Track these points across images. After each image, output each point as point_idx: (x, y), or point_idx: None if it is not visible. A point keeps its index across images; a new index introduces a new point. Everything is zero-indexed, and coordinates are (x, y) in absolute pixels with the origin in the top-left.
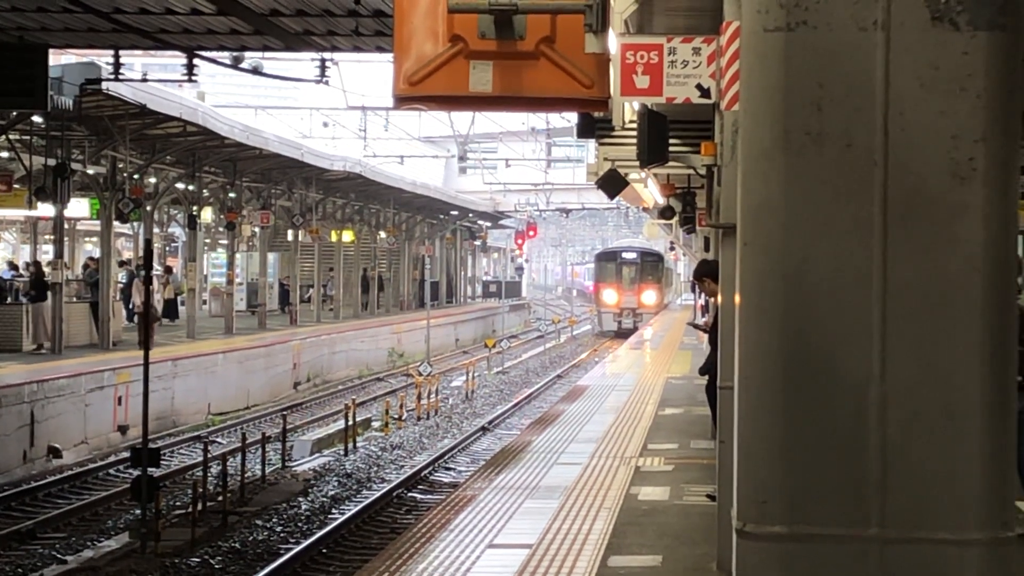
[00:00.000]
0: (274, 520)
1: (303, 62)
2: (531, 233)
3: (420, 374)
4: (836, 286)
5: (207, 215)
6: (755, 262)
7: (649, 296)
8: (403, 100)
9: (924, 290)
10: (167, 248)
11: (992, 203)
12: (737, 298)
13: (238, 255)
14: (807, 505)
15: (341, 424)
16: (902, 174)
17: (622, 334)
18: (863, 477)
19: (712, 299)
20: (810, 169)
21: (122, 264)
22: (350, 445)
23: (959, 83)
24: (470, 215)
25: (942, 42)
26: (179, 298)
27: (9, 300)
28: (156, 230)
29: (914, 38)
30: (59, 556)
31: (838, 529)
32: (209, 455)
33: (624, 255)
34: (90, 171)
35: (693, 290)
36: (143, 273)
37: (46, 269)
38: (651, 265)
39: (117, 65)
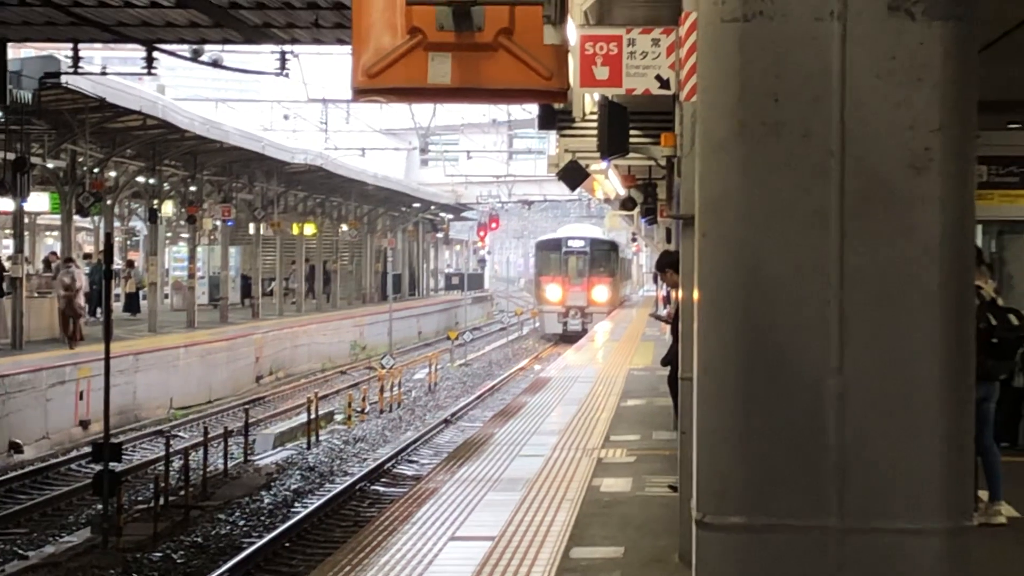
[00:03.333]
0: (237, 514)
1: (263, 55)
2: (493, 225)
3: (383, 367)
4: (794, 276)
5: (168, 209)
6: (713, 253)
7: (600, 292)
8: (362, 93)
9: (882, 280)
10: (128, 242)
11: (949, 193)
12: (696, 289)
13: (199, 249)
14: (766, 496)
15: (304, 418)
16: (859, 164)
17: (568, 337)
18: (822, 467)
19: (674, 290)
20: (767, 159)
21: (86, 257)
22: (313, 438)
23: (916, 73)
24: (432, 207)
25: (898, 32)
26: (141, 292)
27: None
28: (117, 224)
29: (870, 28)
30: (20, 552)
31: (797, 520)
32: (171, 449)
33: (570, 243)
34: (50, 165)
35: (655, 281)
36: (69, 266)
37: (6, 264)
38: (603, 254)
39: (76, 58)
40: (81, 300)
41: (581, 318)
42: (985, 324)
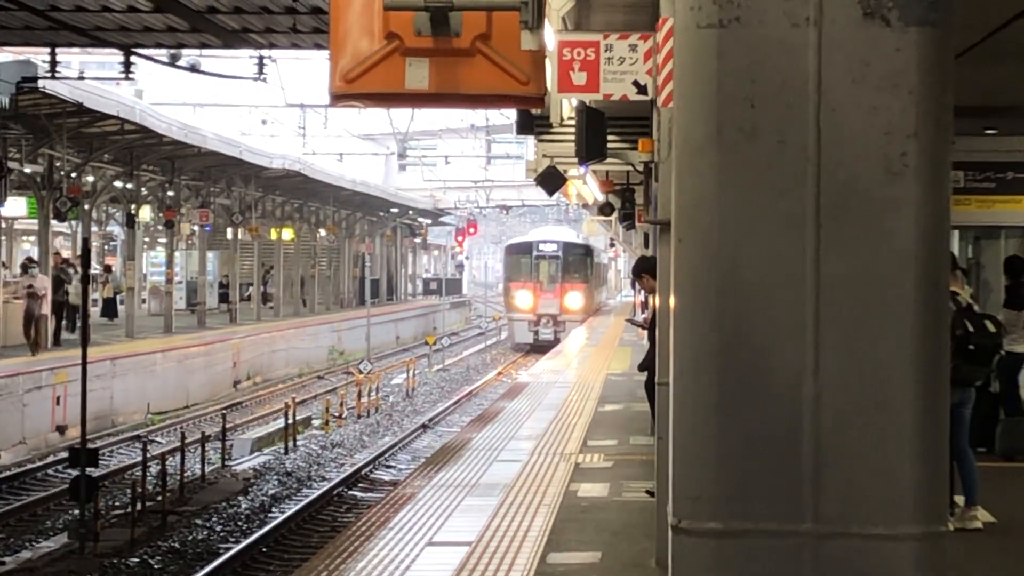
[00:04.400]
0: (214, 519)
1: (241, 59)
2: (471, 230)
3: (360, 372)
4: (769, 282)
5: (146, 213)
6: (689, 258)
7: (574, 299)
8: (340, 98)
9: (857, 285)
10: (106, 247)
11: (924, 198)
12: (672, 294)
13: (177, 253)
14: (741, 501)
15: (281, 423)
16: (835, 170)
17: (539, 347)
18: (797, 472)
19: (651, 295)
20: (743, 165)
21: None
22: (290, 444)
23: (891, 79)
24: (410, 212)
25: (874, 38)
26: (118, 297)
27: None
28: (94, 229)
29: (846, 34)
30: None
31: (772, 524)
32: (148, 454)
33: (542, 247)
34: (27, 170)
35: (633, 286)
36: (32, 269)
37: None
38: (577, 259)
39: (54, 63)
40: (46, 306)
41: (553, 326)
42: (962, 330)
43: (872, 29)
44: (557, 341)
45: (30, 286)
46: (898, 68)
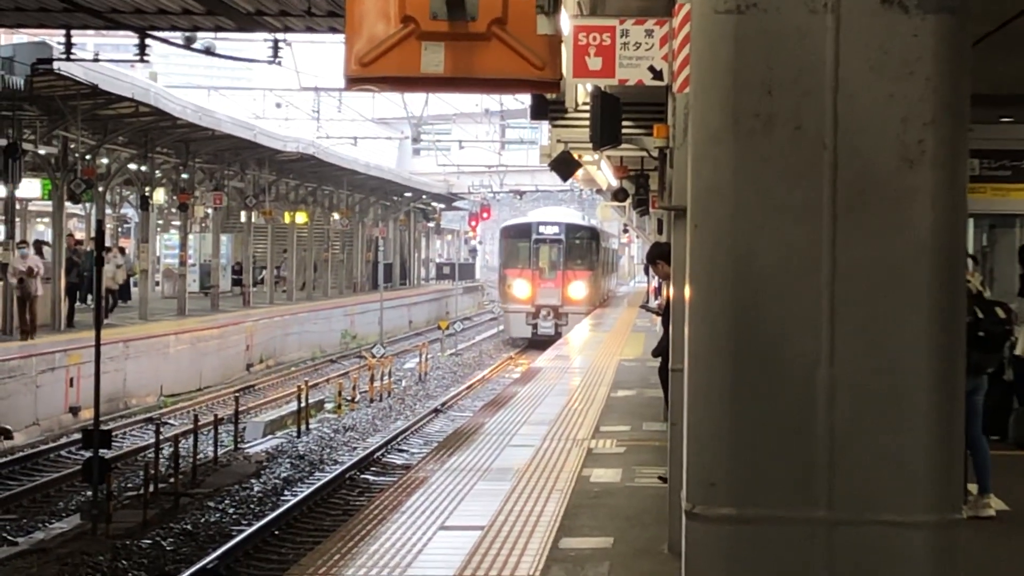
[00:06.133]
0: (226, 502)
1: (256, 43)
2: (485, 215)
3: (373, 356)
4: (785, 269)
5: (160, 196)
6: (705, 245)
7: (577, 288)
8: (355, 81)
9: (873, 273)
10: (120, 229)
11: (941, 186)
12: (687, 280)
13: (191, 236)
14: (755, 487)
15: (294, 406)
16: (851, 157)
17: (538, 343)
18: (811, 459)
19: (665, 282)
20: (759, 152)
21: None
22: (303, 427)
23: (908, 66)
24: (424, 197)
25: (891, 25)
26: (132, 279)
27: None
28: (108, 211)
29: (864, 21)
30: (9, 538)
31: (786, 511)
32: (161, 437)
33: (541, 229)
34: (41, 151)
35: (647, 273)
36: (24, 249)
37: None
38: (582, 244)
39: (69, 45)
40: (38, 287)
41: (554, 319)
42: (972, 317)
43: (890, 16)
44: (558, 336)
45: (23, 268)
46: (915, 55)
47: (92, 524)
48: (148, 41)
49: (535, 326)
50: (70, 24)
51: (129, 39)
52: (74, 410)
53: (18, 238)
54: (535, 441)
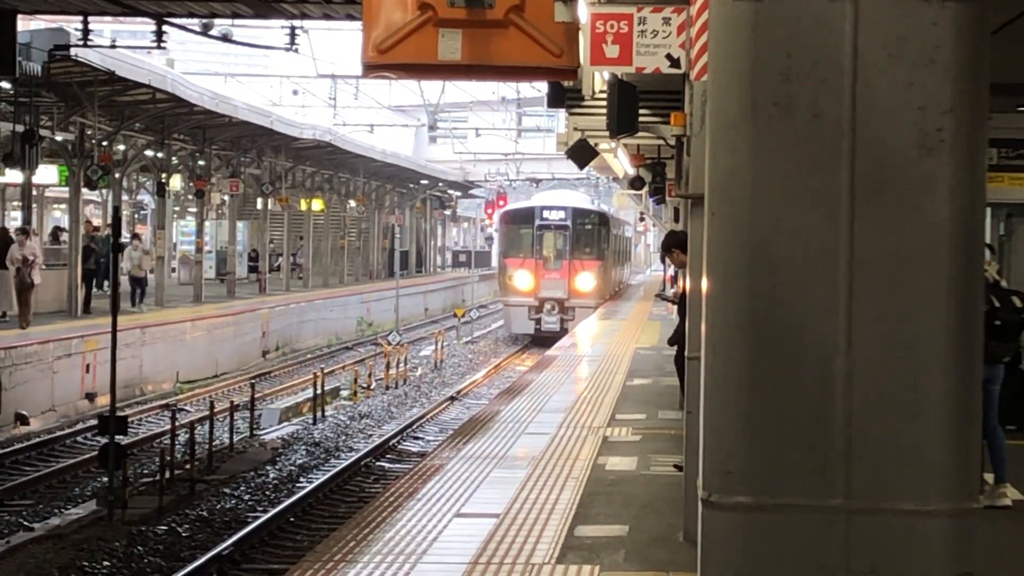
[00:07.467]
0: (242, 488)
1: (273, 29)
2: (501, 203)
3: (389, 343)
4: (803, 257)
5: (176, 183)
6: (722, 233)
7: (585, 280)
8: (372, 68)
9: (890, 261)
10: (136, 215)
11: (959, 175)
12: (704, 268)
13: (207, 223)
14: (772, 475)
15: (309, 393)
16: (870, 145)
17: (541, 340)
18: (828, 448)
19: (681, 270)
20: (778, 140)
21: (96, 230)
22: (318, 414)
23: (927, 54)
24: (440, 184)
25: (910, 13)
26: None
27: None
28: (125, 197)
29: (882, 9)
30: (26, 523)
31: (803, 499)
32: (177, 423)
33: (545, 214)
34: (58, 138)
35: (663, 261)
36: (22, 237)
37: (13, 236)
38: (591, 230)
39: (86, 31)
40: (36, 276)
41: (559, 313)
42: (988, 306)
43: (909, 3)
44: (564, 332)
45: (25, 257)
46: (935, 43)
47: (108, 510)
48: (165, 28)
49: (538, 321)
50: (88, 10)
51: (146, 25)
52: (90, 396)
53: (20, 224)
54: (551, 429)
